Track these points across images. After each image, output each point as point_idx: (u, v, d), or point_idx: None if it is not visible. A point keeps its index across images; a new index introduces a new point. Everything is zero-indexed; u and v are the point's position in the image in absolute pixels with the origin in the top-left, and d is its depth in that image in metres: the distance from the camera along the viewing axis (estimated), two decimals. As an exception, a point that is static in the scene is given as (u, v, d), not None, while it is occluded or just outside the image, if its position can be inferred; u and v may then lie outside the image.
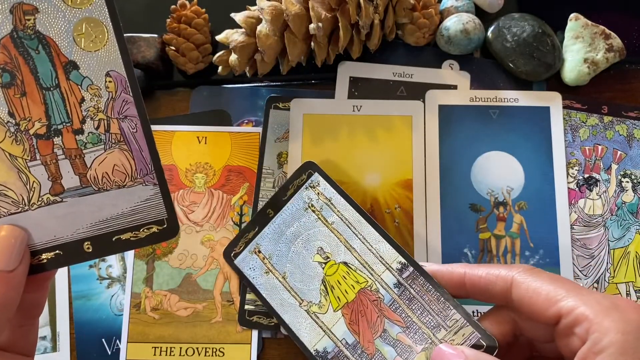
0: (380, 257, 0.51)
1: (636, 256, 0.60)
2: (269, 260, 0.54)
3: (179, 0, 0.64)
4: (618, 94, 0.65)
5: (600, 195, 0.62)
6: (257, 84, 0.65)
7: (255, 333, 0.58)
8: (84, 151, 0.38)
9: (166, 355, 0.57)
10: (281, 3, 0.58)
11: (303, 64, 0.63)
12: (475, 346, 0.44)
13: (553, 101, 0.63)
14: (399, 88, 0.64)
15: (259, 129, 0.63)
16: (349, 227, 0.53)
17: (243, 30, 0.60)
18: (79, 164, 0.38)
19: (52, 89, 0.38)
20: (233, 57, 0.60)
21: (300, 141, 0.62)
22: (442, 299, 0.47)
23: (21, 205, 0.38)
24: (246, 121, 0.63)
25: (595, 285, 0.59)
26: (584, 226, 0.61)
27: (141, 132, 0.38)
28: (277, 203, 0.55)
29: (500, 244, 0.60)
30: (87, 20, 0.37)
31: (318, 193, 0.54)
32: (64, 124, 0.38)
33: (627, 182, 0.62)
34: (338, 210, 0.54)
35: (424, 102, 0.63)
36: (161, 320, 0.58)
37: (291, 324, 0.52)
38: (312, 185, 0.55)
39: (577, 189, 0.62)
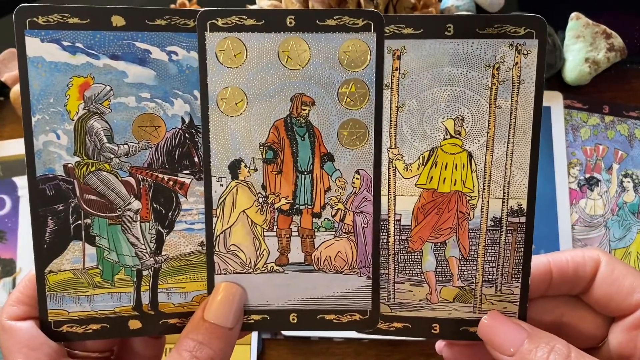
0: (508, 183, 0.37)
1: (637, 256, 0.57)
2: None
3: (178, 0, 0.62)
4: (619, 94, 0.62)
5: (601, 195, 0.58)
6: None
7: (255, 334, 0.56)
8: (316, 233, 0.38)
9: (166, 355, 0.54)
10: (281, 3, 0.56)
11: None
12: None
13: (554, 101, 0.59)
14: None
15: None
16: (510, 118, 0.37)
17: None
18: (308, 244, 0.38)
19: (305, 173, 0.37)
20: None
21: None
22: (520, 267, 0.37)
23: (247, 268, 0.38)
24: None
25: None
26: (585, 226, 0.58)
27: (370, 228, 0.38)
28: None
29: (502, 242, 0.58)
30: (353, 121, 0.36)
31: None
32: (306, 205, 0.38)
33: (629, 182, 0.59)
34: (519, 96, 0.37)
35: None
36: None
37: None
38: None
39: (578, 189, 0.59)
